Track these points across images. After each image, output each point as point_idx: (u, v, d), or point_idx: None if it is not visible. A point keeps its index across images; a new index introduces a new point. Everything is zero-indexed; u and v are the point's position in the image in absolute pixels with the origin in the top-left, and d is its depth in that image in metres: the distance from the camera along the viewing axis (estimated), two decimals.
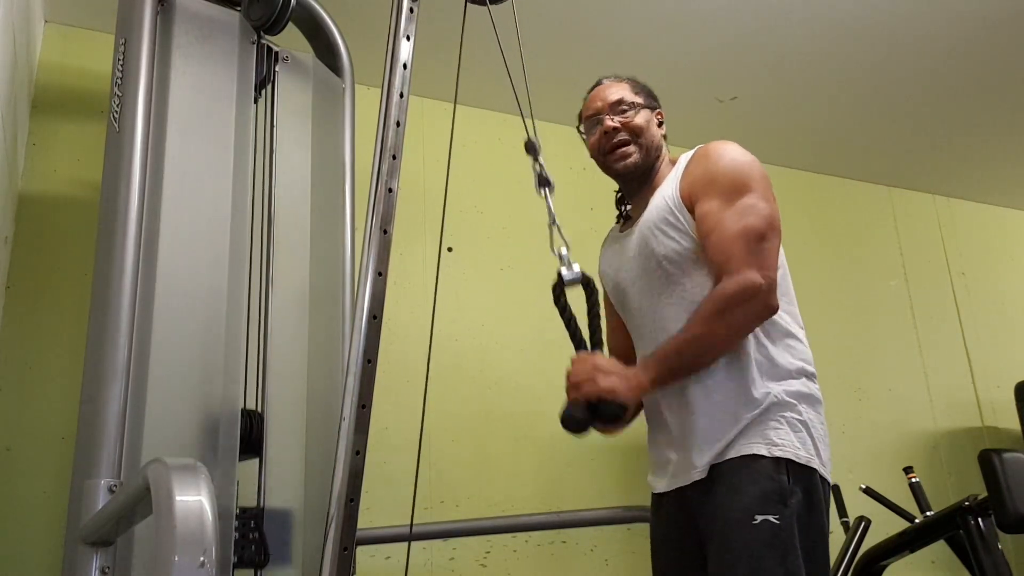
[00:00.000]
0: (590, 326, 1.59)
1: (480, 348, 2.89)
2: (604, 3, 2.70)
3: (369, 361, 1.36)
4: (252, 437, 1.81)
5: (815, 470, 1.51)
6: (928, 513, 2.63)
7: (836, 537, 2.47)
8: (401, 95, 1.46)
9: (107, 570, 1.48)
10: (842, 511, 2.75)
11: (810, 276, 3.46)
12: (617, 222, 1.87)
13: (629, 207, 1.83)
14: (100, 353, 1.62)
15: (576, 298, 1.59)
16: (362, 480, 1.35)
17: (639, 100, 1.77)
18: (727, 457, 1.50)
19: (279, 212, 2.02)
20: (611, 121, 1.75)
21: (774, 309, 1.54)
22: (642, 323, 1.69)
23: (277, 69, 2.12)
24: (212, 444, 1.71)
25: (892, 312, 3.72)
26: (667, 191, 1.66)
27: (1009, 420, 3.59)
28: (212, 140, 1.91)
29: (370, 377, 1.36)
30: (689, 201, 1.61)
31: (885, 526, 2.70)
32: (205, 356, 1.77)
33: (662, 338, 1.61)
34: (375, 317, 1.38)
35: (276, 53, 2.12)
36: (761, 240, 1.53)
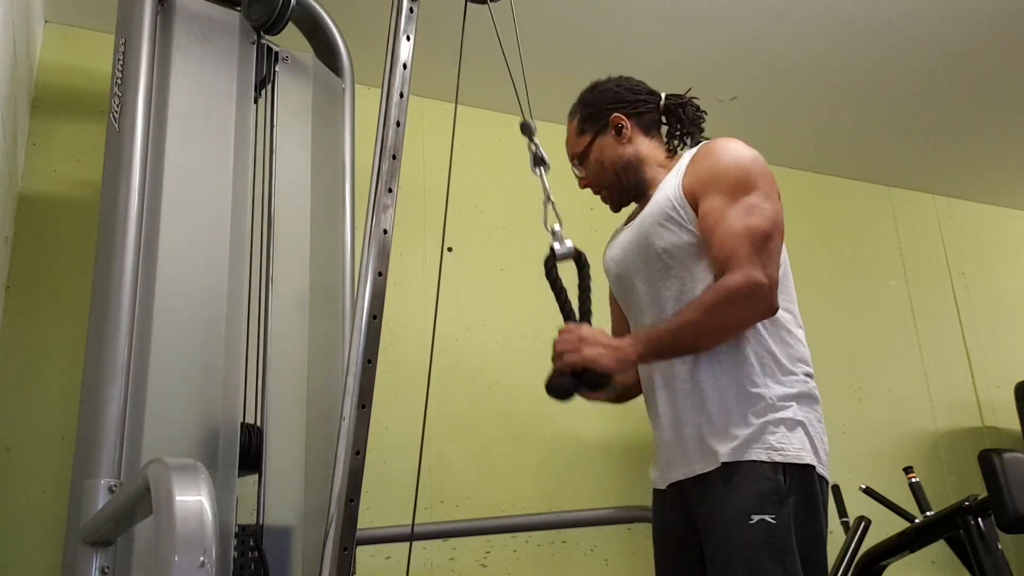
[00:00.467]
0: (580, 299, 1.62)
1: (480, 348, 2.89)
2: (604, 3, 2.70)
3: (369, 361, 1.36)
4: (252, 452, 1.80)
5: (813, 468, 1.51)
6: (928, 513, 2.63)
7: (836, 537, 2.48)
8: (401, 95, 1.46)
9: (107, 570, 1.48)
10: (842, 511, 2.75)
11: (810, 276, 3.46)
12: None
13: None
14: (100, 353, 1.62)
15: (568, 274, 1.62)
16: (362, 480, 1.35)
17: (586, 139, 1.79)
18: (725, 460, 1.50)
19: (279, 212, 2.02)
20: (578, 174, 1.83)
21: (774, 310, 1.54)
22: (642, 316, 1.70)
23: (277, 69, 2.12)
24: (212, 458, 1.71)
25: (892, 312, 3.72)
26: (670, 186, 1.66)
27: (1009, 420, 3.59)
28: (212, 140, 1.91)
29: (370, 377, 1.36)
30: (692, 197, 1.61)
31: (885, 526, 2.70)
32: (205, 356, 1.77)
33: None
34: (375, 317, 1.38)
35: (276, 53, 2.12)
36: (766, 240, 1.53)
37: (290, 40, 2.18)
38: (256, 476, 1.84)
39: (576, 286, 1.63)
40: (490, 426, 2.81)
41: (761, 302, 1.51)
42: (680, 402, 1.59)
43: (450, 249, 2.92)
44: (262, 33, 2.06)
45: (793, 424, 1.51)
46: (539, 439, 2.84)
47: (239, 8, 2.04)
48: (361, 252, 1.41)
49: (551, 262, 1.63)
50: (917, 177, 3.90)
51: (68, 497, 1.60)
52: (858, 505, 2.75)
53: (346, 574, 1.31)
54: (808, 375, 1.59)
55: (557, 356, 1.54)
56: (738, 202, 1.55)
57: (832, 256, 3.68)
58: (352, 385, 1.35)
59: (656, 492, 1.71)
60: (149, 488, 1.13)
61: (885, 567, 2.68)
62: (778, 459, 1.48)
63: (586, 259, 1.63)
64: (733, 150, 1.62)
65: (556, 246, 1.63)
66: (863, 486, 2.77)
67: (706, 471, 1.52)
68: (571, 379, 1.53)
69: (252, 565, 1.78)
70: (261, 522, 1.81)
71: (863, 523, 2.63)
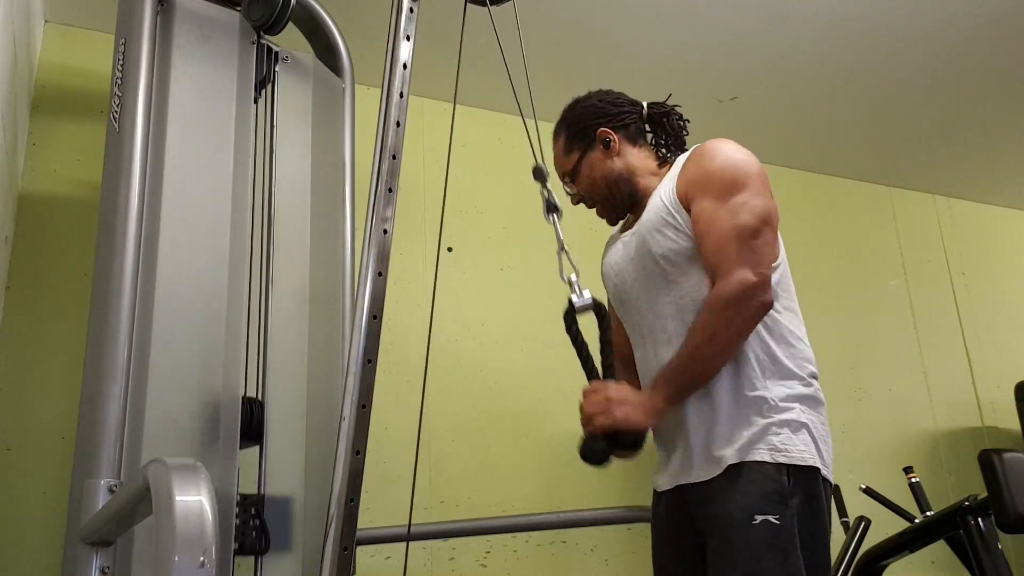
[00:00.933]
0: (602, 352, 1.58)
1: (480, 348, 2.89)
2: (604, 3, 2.70)
3: (369, 361, 1.36)
4: (253, 425, 1.83)
5: (817, 470, 1.51)
6: (928, 513, 2.63)
7: (836, 537, 2.47)
8: (401, 95, 1.46)
9: (107, 570, 1.48)
10: (842, 511, 2.75)
11: (810, 276, 3.45)
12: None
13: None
14: (100, 353, 1.62)
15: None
16: (362, 480, 1.35)
17: (574, 156, 1.78)
18: (729, 462, 1.50)
19: (279, 212, 2.02)
20: (570, 191, 1.82)
21: (769, 304, 1.54)
22: (641, 323, 1.69)
23: (277, 69, 2.12)
24: (213, 432, 1.72)
25: (892, 312, 3.72)
26: (664, 191, 1.66)
27: (1009, 420, 3.59)
28: (212, 140, 1.91)
29: (370, 377, 1.36)
30: (686, 200, 1.61)
31: (885, 526, 2.70)
32: (205, 356, 1.77)
33: (661, 338, 1.62)
34: (375, 317, 1.38)
35: (276, 53, 2.12)
36: (754, 237, 1.53)
37: (290, 40, 2.18)
38: (257, 448, 1.87)
39: (595, 337, 1.59)
40: (490, 426, 2.81)
41: (755, 300, 1.51)
42: (685, 408, 1.58)
43: (450, 249, 2.92)
44: (262, 33, 2.06)
45: (798, 426, 1.51)
46: (539, 439, 2.84)
47: (239, 8, 2.04)
48: (361, 252, 1.41)
49: (571, 317, 1.58)
50: (917, 177, 3.90)
51: (68, 497, 1.60)
52: (858, 505, 2.75)
53: (346, 574, 1.31)
54: (813, 376, 1.59)
55: (587, 420, 1.52)
56: (727, 203, 1.55)
57: (832, 256, 3.68)
58: (352, 385, 1.35)
59: (656, 493, 1.71)
60: (149, 488, 1.13)
61: (885, 567, 2.68)
62: (782, 460, 1.48)
63: (606, 311, 1.59)
64: (723, 151, 1.62)
65: (574, 298, 1.57)
66: (863, 486, 2.77)
67: (709, 476, 1.52)
68: (604, 442, 1.50)
69: (254, 532, 1.80)
70: (263, 492, 1.84)
71: (863, 523, 2.63)
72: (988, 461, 2.40)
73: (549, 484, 2.81)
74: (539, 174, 1.65)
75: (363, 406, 1.35)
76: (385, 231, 1.40)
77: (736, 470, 1.49)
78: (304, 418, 1.93)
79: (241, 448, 1.79)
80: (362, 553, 2.35)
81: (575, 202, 1.83)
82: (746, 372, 1.54)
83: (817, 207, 3.75)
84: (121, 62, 1.83)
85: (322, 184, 2.12)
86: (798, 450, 1.49)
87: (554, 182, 1.72)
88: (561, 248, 1.62)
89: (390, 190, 1.41)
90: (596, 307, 1.57)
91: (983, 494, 2.42)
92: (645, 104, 1.82)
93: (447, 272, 2.88)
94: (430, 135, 2.95)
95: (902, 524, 2.66)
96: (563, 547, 2.78)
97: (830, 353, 3.33)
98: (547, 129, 1.81)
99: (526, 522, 2.58)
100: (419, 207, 2.87)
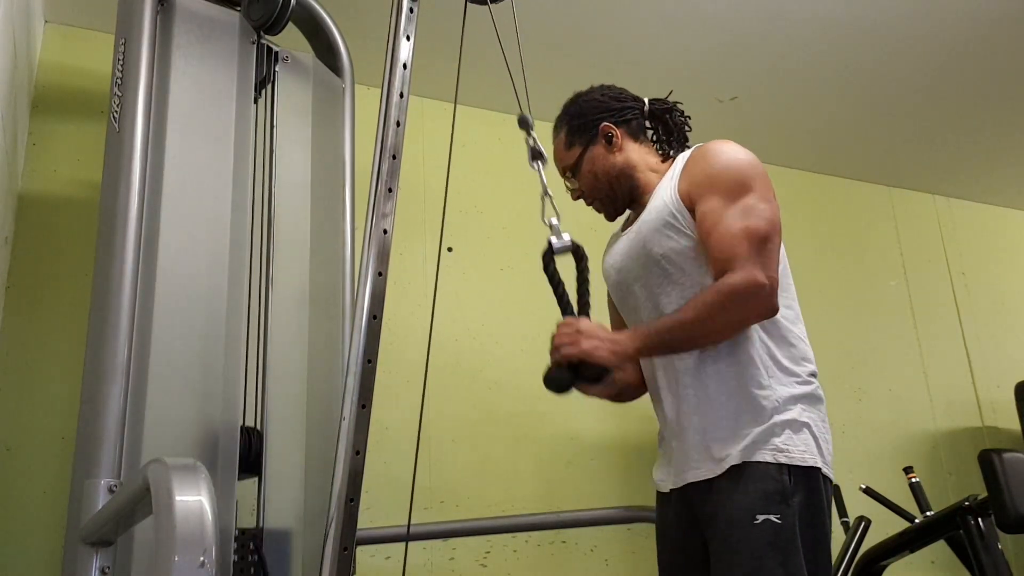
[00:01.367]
0: (578, 292, 1.63)
1: (480, 348, 2.89)
2: (604, 3, 2.70)
3: (369, 361, 1.37)
4: (251, 456, 1.80)
5: (818, 469, 1.51)
6: (928, 513, 2.63)
7: (836, 537, 2.47)
8: (401, 95, 1.46)
9: (107, 570, 1.48)
10: (842, 511, 2.75)
11: (810, 276, 3.46)
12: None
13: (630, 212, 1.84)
14: (100, 353, 1.62)
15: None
16: (362, 480, 1.35)
17: (576, 151, 1.78)
18: (732, 462, 1.50)
19: (279, 212, 2.02)
20: (570, 186, 1.82)
21: (775, 310, 1.54)
22: (641, 320, 1.69)
23: (277, 69, 2.12)
24: (211, 459, 1.70)
25: (892, 312, 3.72)
26: (665, 191, 1.66)
27: (1009, 420, 3.59)
28: (212, 140, 1.91)
29: (370, 377, 1.36)
30: (688, 201, 1.61)
31: (885, 526, 2.70)
32: (205, 356, 1.77)
33: None
34: (375, 317, 1.38)
35: (276, 53, 2.12)
36: (765, 242, 1.53)
37: (290, 40, 2.18)
38: (256, 479, 1.84)
39: (575, 280, 1.63)
40: (490, 426, 2.81)
41: (762, 302, 1.51)
42: (685, 406, 1.59)
43: (450, 249, 2.92)
44: (262, 33, 2.06)
45: (799, 426, 1.51)
46: (539, 439, 2.84)
47: (239, 8, 2.04)
48: (361, 252, 1.41)
49: (549, 256, 1.64)
50: (917, 177, 3.90)
51: (68, 497, 1.60)
52: (858, 505, 2.75)
53: (346, 574, 1.31)
54: (813, 375, 1.60)
55: (555, 349, 1.55)
56: (735, 204, 1.55)
57: (832, 256, 3.68)
58: (352, 385, 1.35)
59: (660, 494, 1.71)
60: (149, 488, 1.13)
61: (885, 567, 2.68)
62: (784, 460, 1.48)
63: (584, 252, 1.64)
64: (728, 152, 1.62)
65: (554, 240, 1.63)
66: (863, 486, 2.77)
67: (712, 476, 1.52)
68: (568, 372, 1.54)
69: (252, 568, 1.78)
70: (261, 525, 1.81)
71: (863, 523, 2.63)
72: (988, 461, 2.40)
73: (549, 484, 2.81)
74: (524, 123, 1.69)
75: (363, 406, 1.35)
76: (385, 231, 1.40)
77: (738, 470, 1.49)
78: (304, 415, 1.92)
79: (239, 480, 1.77)
80: (362, 553, 2.35)
81: (575, 197, 1.83)
82: (748, 372, 1.54)
83: (817, 207, 3.75)
84: (121, 62, 1.83)
85: (322, 184, 2.12)
86: (799, 451, 1.49)
87: (553, 179, 1.72)
88: (545, 192, 1.67)
89: (390, 190, 1.42)
90: (574, 249, 1.63)
91: (983, 494, 2.42)
92: (647, 100, 1.82)
93: (447, 272, 2.88)
94: (430, 135, 2.95)
95: (902, 524, 2.66)
96: (563, 547, 2.78)
97: (830, 353, 3.33)
98: (546, 127, 1.82)
99: (526, 522, 2.58)
100: (419, 207, 2.87)
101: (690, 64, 3.01)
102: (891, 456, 3.36)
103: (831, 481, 1.56)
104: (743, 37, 2.89)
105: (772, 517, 1.44)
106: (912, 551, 2.65)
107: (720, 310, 1.50)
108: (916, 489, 2.69)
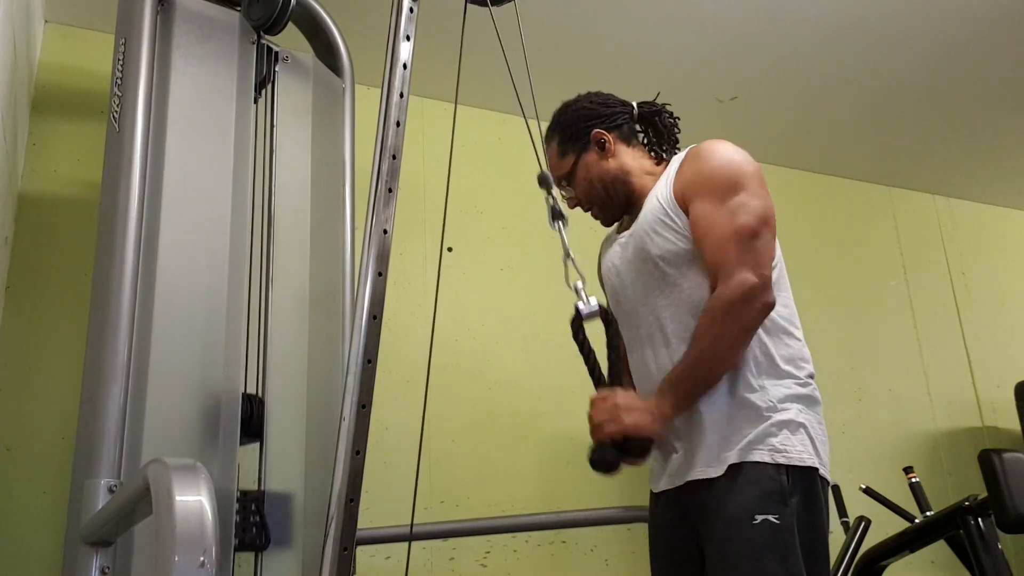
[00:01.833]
0: (609, 359, 1.58)
1: (480, 348, 2.89)
2: (604, 3, 2.70)
3: (369, 361, 1.36)
4: (253, 422, 1.83)
5: (816, 469, 1.51)
6: (928, 513, 2.63)
7: (836, 537, 2.47)
8: (401, 95, 1.46)
9: (107, 570, 1.48)
10: (842, 511, 2.75)
11: (810, 276, 3.46)
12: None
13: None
14: (100, 353, 1.62)
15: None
16: (362, 480, 1.35)
17: (570, 160, 1.77)
18: (729, 462, 1.50)
19: (279, 212, 2.02)
20: (566, 194, 1.80)
21: (771, 305, 1.53)
22: (638, 324, 1.68)
23: (277, 69, 2.12)
24: (213, 429, 1.72)
25: (892, 312, 3.72)
26: (660, 192, 1.66)
27: (1009, 420, 3.59)
28: (212, 140, 1.91)
29: (370, 377, 1.36)
30: (683, 202, 1.61)
31: (885, 526, 2.70)
32: (205, 356, 1.77)
33: (659, 340, 1.62)
34: (375, 317, 1.38)
35: (276, 53, 2.12)
36: (753, 238, 1.53)
37: (290, 40, 2.18)
38: (258, 444, 1.87)
39: (598, 343, 1.58)
40: (490, 426, 2.81)
41: (757, 301, 1.51)
42: None
43: (450, 249, 2.92)
44: (262, 33, 2.06)
45: (796, 426, 1.51)
46: (539, 439, 2.84)
47: (239, 8, 2.04)
48: (361, 252, 1.41)
49: (578, 323, 1.58)
50: (917, 177, 3.90)
51: (68, 497, 1.60)
52: (858, 505, 2.75)
53: (346, 574, 1.31)
54: (811, 376, 1.59)
55: (596, 428, 1.52)
56: (726, 204, 1.55)
57: (832, 256, 3.68)
58: (352, 385, 1.35)
59: (653, 494, 1.71)
60: (149, 488, 1.13)
61: (885, 567, 2.67)
62: (781, 460, 1.48)
63: (613, 316, 1.59)
64: (720, 152, 1.62)
65: (581, 306, 1.57)
66: (863, 486, 2.77)
67: (708, 477, 1.52)
68: (613, 450, 1.50)
69: (254, 529, 1.80)
70: (263, 488, 1.84)
71: (863, 523, 2.63)
72: (988, 461, 2.40)
73: (549, 484, 2.81)
74: (544, 181, 1.65)
75: (363, 406, 1.35)
76: (385, 231, 1.40)
77: (736, 470, 1.49)
78: (304, 415, 1.93)
79: (241, 444, 1.79)
80: (362, 553, 2.35)
81: (572, 206, 1.82)
82: (744, 373, 1.54)
83: (817, 207, 3.75)
84: (121, 62, 1.83)
85: (322, 184, 2.12)
86: (796, 451, 1.49)
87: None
88: (567, 255, 1.62)
89: (390, 190, 1.41)
90: (603, 314, 1.57)
91: (983, 494, 2.42)
92: (635, 104, 1.82)
93: (447, 272, 2.88)
94: (430, 135, 2.95)
95: (902, 524, 2.66)
96: (563, 547, 2.78)
97: (830, 353, 3.34)
98: (545, 127, 1.81)
99: (526, 522, 2.58)
100: (419, 207, 2.87)
101: (690, 64, 3.01)
102: (891, 456, 3.36)
103: (828, 482, 1.56)
104: (743, 37, 2.89)
105: (771, 517, 1.43)
106: (912, 551, 2.65)
107: (722, 327, 1.50)
108: (916, 489, 2.69)
